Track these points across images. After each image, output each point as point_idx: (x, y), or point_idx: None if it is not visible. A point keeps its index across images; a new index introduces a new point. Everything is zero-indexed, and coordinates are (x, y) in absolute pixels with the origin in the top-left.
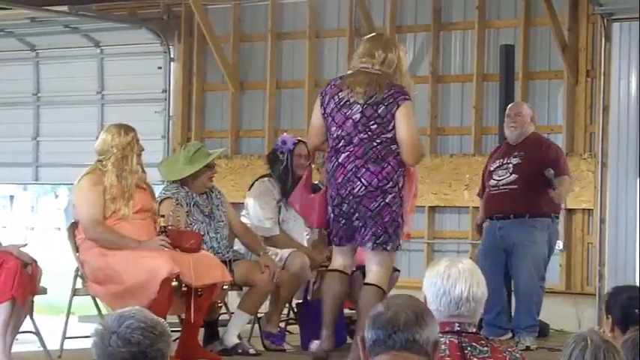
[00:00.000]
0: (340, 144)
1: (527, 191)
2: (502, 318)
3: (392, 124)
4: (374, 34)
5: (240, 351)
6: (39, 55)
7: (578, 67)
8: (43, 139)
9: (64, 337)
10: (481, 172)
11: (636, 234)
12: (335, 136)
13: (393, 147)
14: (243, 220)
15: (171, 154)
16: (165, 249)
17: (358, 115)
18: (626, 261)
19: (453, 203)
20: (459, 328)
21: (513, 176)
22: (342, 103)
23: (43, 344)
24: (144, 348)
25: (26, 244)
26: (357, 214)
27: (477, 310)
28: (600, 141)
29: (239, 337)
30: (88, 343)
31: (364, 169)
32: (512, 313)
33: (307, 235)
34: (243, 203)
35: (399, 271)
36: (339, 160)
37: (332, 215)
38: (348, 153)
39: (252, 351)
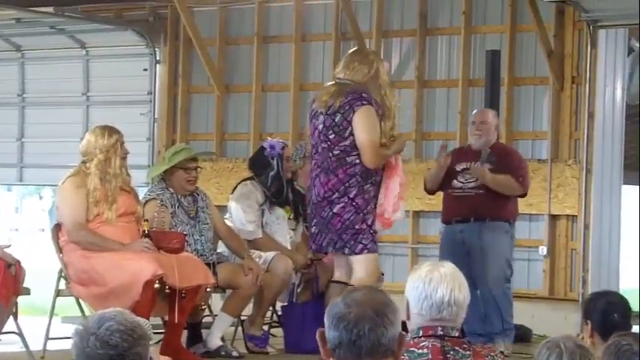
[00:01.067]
0: (313, 152)
1: (492, 197)
2: (478, 325)
3: (348, 130)
4: (357, 48)
5: (223, 353)
6: (24, 56)
7: (563, 73)
8: (27, 140)
9: (47, 338)
10: None
11: (620, 240)
12: (311, 144)
13: (349, 158)
14: (227, 223)
15: (156, 156)
16: (149, 251)
17: (321, 126)
18: (609, 267)
19: (437, 208)
20: (441, 332)
21: (480, 181)
22: (313, 114)
23: (25, 345)
24: (122, 351)
25: (10, 245)
26: (314, 220)
27: (459, 314)
28: (585, 147)
29: (222, 339)
30: (70, 344)
31: (317, 179)
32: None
33: (290, 237)
34: (227, 206)
35: (382, 274)
36: (311, 167)
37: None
38: (314, 161)
39: (235, 353)
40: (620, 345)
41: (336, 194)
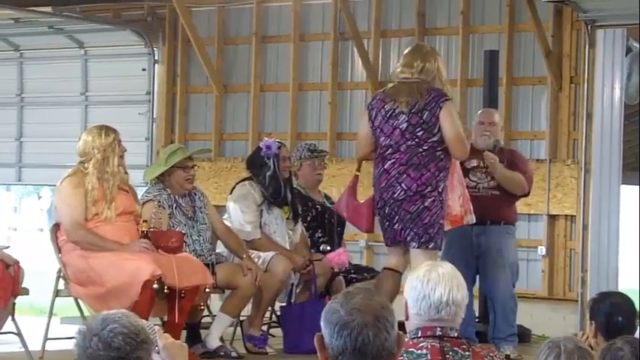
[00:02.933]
0: (387, 152)
1: (506, 198)
2: (470, 330)
3: (437, 126)
4: (415, 45)
5: (222, 354)
6: (23, 56)
7: (561, 73)
8: (26, 139)
9: (46, 338)
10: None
11: (619, 240)
12: (383, 145)
13: (437, 152)
14: (225, 223)
15: (155, 156)
16: (148, 251)
17: (405, 125)
18: (608, 267)
19: None
20: (440, 333)
21: (494, 182)
22: (388, 115)
23: (24, 345)
24: (123, 354)
25: (9, 246)
26: (397, 217)
27: (458, 314)
28: (583, 147)
29: (221, 339)
30: (69, 345)
31: (405, 175)
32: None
33: (289, 238)
34: (225, 206)
35: None
36: (385, 167)
37: (378, 218)
38: (393, 160)
39: (234, 354)
40: (615, 354)
41: (429, 188)
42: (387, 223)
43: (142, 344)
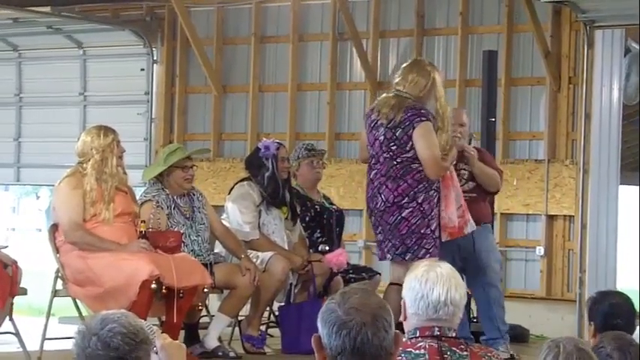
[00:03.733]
0: (372, 162)
1: (482, 199)
2: (467, 329)
3: (409, 144)
4: (415, 59)
5: (220, 354)
6: (21, 56)
7: (560, 73)
8: (25, 139)
9: (44, 338)
10: None
11: (617, 240)
12: (369, 154)
13: (414, 165)
14: (224, 223)
15: (153, 156)
16: (146, 251)
17: (382, 137)
18: (606, 267)
19: None
20: (438, 333)
21: (471, 183)
22: (373, 125)
23: (22, 345)
24: (122, 354)
25: (7, 246)
26: (379, 228)
27: (456, 314)
28: (582, 148)
29: (219, 339)
30: (68, 345)
31: (384, 187)
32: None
33: (287, 238)
34: (224, 206)
35: (379, 274)
36: (370, 177)
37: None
38: (376, 170)
39: (232, 354)
40: (598, 352)
41: (406, 199)
42: (374, 233)
43: (141, 344)
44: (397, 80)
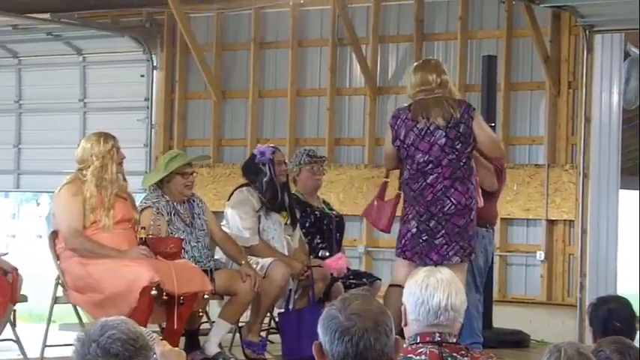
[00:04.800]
0: (427, 167)
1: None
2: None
3: (472, 137)
4: (420, 62)
5: None
6: (21, 63)
7: (560, 78)
8: (25, 146)
9: (45, 345)
10: None
11: (617, 245)
12: (421, 161)
13: (472, 165)
14: (224, 229)
15: (153, 162)
16: (146, 258)
17: (444, 139)
18: (607, 272)
19: None
20: (439, 339)
21: None
22: (423, 133)
23: (23, 352)
24: None
25: (7, 253)
26: (443, 231)
27: (457, 320)
28: (582, 152)
29: (220, 346)
30: (68, 352)
31: (453, 189)
32: None
33: (287, 244)
34: (224, 212)
35: (380, 280)
36: (427, 181)
37: (414, 230)
38: (436, 175)
39: None
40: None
41: (473, 201)
42: (425, 237)
43: (141, 350)
44: (420, 87)
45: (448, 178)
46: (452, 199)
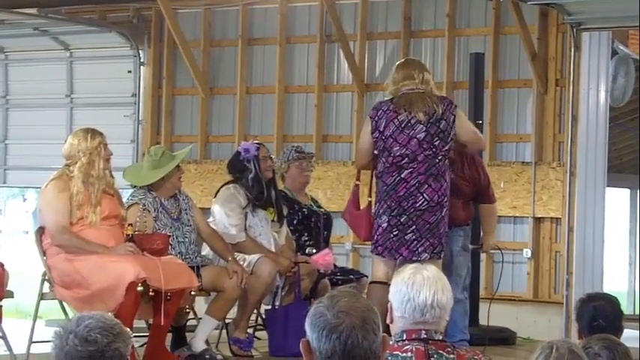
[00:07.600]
0: (403, 161)
1: (460, 202)
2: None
3: (451, 135)
4: (403, 60)
5: (207, 357)
6: (8, 58)
7: (547, 76)
8: (11, 142)
9: (31, 341)
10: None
11: (604, 243)
12: (397, 154)
13: (447, 162)
14: (211, 225)
15: (140, 158)
16: (133, 254)
17: (423, 134)
18: (593, 270)
19: None
20: (425, 336)
21: None
22: (403, 125)
23: (9, 348)
24: (101, 347)
25: None
26: (413, 227)
27: (443, 317)
28: (569, 150)
29: (207, 342)
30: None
31: (426, 186)
32: None
33: (274, 240)
34: (210, 209)
35: (367, 276)
36: (402, 176)
37: (385, 225)
38: (411, 170)
39: (219, 357)
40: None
41: (445, 198)
42: (396, 232)
43: (119, 336)
44: (403, 82)
45: (423, 174)
46: (425, 195)
